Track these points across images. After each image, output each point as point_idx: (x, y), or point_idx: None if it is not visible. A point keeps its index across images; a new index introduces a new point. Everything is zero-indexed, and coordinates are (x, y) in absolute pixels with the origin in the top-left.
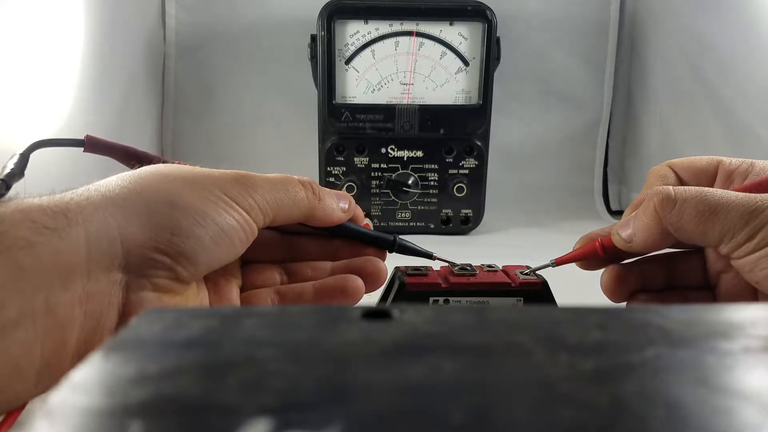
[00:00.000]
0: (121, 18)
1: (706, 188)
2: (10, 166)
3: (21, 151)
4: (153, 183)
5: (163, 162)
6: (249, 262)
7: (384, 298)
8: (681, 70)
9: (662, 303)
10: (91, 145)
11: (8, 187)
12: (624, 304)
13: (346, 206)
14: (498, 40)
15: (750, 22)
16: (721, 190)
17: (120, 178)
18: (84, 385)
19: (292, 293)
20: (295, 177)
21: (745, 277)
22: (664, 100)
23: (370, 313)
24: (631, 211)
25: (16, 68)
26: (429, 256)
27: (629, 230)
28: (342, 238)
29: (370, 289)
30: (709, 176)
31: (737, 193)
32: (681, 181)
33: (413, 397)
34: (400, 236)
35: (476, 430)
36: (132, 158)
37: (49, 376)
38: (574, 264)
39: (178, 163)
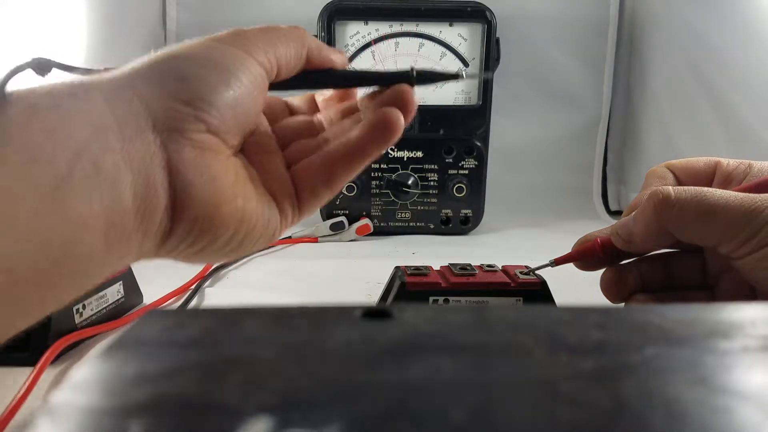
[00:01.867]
0: (122, 20)
1: (706, 188)
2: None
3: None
4: (158, 53)
5: None
6: (285, 145)
7: (384, 297)
8: (680, 70)
9: (661, 303)
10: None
11: (47, 68)
12: (623, 304)
13: (338, 55)
14: (497, 40)
15: (750, 22)
16: (720, 191)
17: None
18: (84, 385)
19: (332, 147)
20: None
21: (745, 277)
22: (664, 100)
23: (370, 313)
24: (630, 211)
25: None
26: (456, 76)
27: (629, 230)
28: (357, 84)
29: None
30: (707, 177)
31: (736, 193)
32: (679, 182)
33: (413, 397)
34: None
35: (476, 430)
36: None
37: (118, 239)
38: (573, 264)
39: None
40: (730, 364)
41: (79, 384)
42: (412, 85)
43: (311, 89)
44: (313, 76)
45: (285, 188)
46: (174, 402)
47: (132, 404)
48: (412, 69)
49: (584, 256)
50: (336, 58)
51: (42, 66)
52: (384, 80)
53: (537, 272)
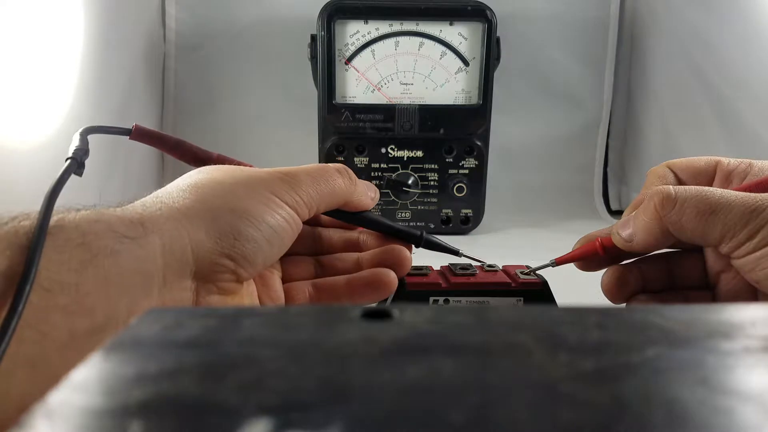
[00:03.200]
0: (121, 18)
1: (707, 188)
2: (75, 142)
3: (80, 131)
4: (211, 191)
5: (205, 153)
6: (285, 254)
7: (384, 298)
8: (681, 70)
9: (663, 303)
10: (138, 134)
11: (81, 164)
12: (624, 305)
13: (373, 195)
14: (498, 39)
15: (751, 21)
16: (722, 190)
17: (179, 189)
18: (84, 385)
19: (327, 286)
20: (330, 165)
21: (746, 277)
22: (665, 100)
23: (370, 313)
24: (631, 211)
25: (15, 69)
26: (456, 252)
27: (629, 229)
28: (373, 229)
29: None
30: (707, 176)
31: (737, 192)
32: (680, 182)
33: (413, 397)
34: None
35: (476, 430)
36: (176, 149)
37: None
38: (573, 264)
39: (218, 157)
40: (732, 364)
41: (78, 384)
42: (418, 246)
43: (331, 217)
44: (340, 214)
45: (277, 303)
46: (174, 402)
47: (132, 404)
48: (422, 233)
49: (585, 255)
50: (369, 203)
51: (79, 165)
52: (397, 234)
53: (538, 272)
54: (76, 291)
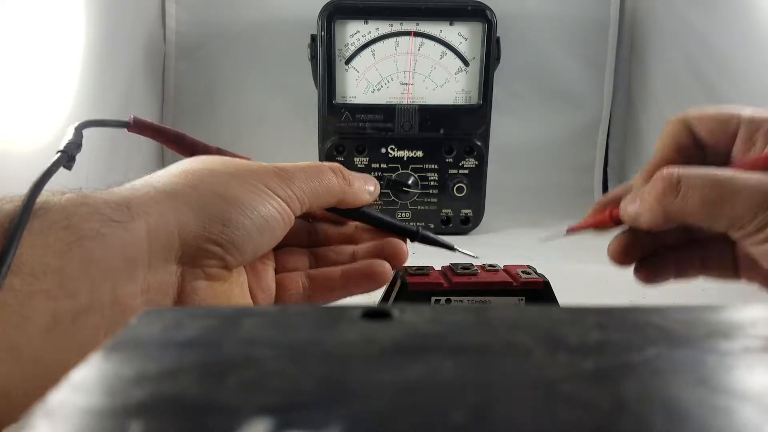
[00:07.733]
0: (121, 18)
1: (713, 173)
2: (69, 136)
3: (75, 125)
4: (203, 177)
5: (205, 147)
6: (280, 246)
7: (385, 297)
8: (681, 70)
9: (676, 266)
10: (137, 126)
11: (71, 158)
12: (624, 304)
13: (372, 189)
14: (498, 40)
15: (750, 22)
16: (730, 173)
17: (170, 174)
18: (84, 385)
19: (322, 277)
20: (325, 164)
21: (762, 266)
22: (664, 100)
23: (370, 313)
24: (641, 180)
25: (15, 68)
26: (451, 248)
27: (636, 207)
28: (369, 224)
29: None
30: (728, 134)
31: (747, 177)
32: (695, 137)
33: (413, 397)
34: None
35: (476, 430)
36: (175, 142)
37: None
38: (576, 263)
39: (217, 150)
40: (731, 364)
41: (78, 384)
42: (413, 241)
43: (318, 220)
44: (337, 210)
45: (267, 294)
46: (174, 402)
47: (132, 404)
48: (418, 229)
49: (596, 225)
50: (367, 198)
51: (70, 159)
52: (393, 228)
53: (539, 272)
54: (60, 275)
